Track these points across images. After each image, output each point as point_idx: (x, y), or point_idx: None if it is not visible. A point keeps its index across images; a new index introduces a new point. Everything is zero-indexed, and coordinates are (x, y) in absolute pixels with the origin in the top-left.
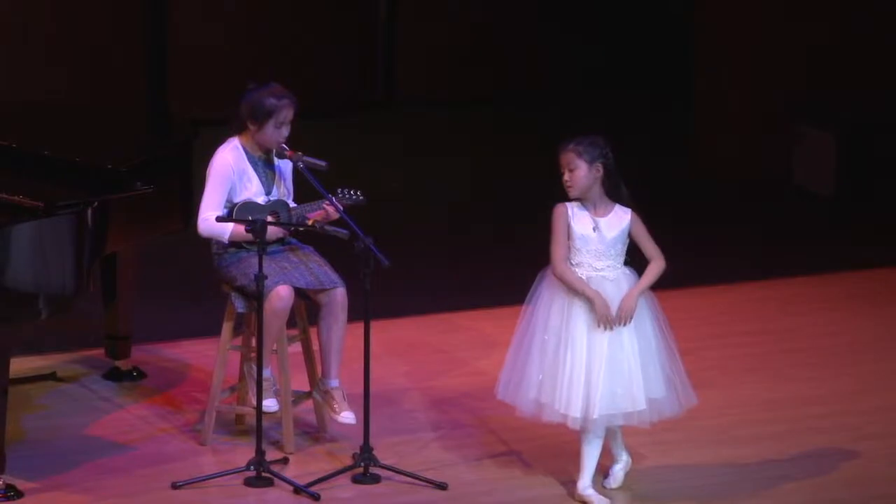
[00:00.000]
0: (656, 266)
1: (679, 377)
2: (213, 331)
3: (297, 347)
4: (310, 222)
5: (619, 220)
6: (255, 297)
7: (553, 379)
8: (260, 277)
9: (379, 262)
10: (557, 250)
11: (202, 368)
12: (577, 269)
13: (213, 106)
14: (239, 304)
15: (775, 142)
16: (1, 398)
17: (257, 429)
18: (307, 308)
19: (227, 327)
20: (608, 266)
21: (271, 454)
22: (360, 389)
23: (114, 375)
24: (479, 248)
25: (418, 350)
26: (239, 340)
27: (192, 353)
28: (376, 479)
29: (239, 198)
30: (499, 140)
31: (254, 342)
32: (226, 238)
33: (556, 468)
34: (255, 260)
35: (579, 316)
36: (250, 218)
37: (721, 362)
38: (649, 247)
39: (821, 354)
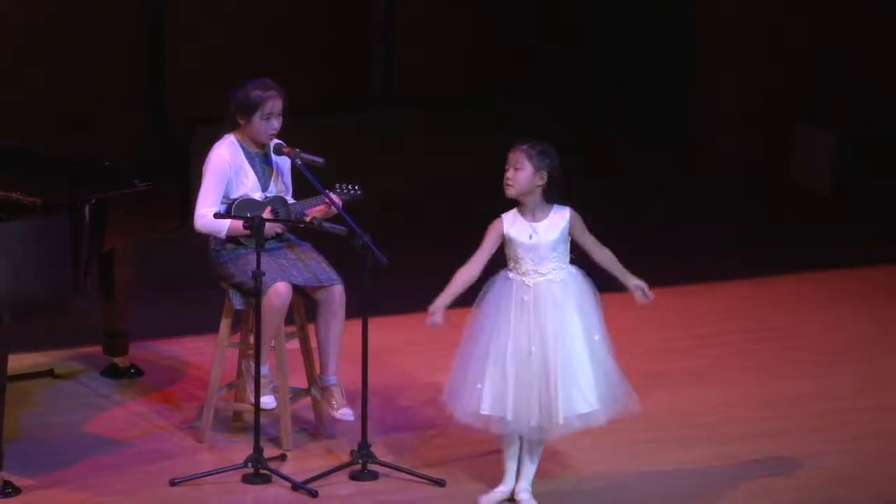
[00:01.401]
0: (608, 252)
1: (616, 387)
2: (210, 328)
3: (295, 344)
4: (308, 219)
5: (558, 221)
6: (253, 293)
7: (493, 383)
8: (258, 274)
9: (377, 258)
10: (478, 258)
11: (200, 365)
12: (523, 278)
13: (211, 104)
14: (237, 301)
15: (773, 141)
16: None
17: (255, 425)
18: (305, 305)
19: (224, 324)
20: (553, 269)
21: (269, 451)
22: (359, 386)
23: (111, 372)
24: (477, 245)
25: (416, 347)
26: (237, 337)
27: (189, 350)
28: (374, 476)
29: (235, 194)
30: (498, 138)
31: (252, 339)
32: (223, 234)
33: (552, 465)
34: (253, 257)
35: (525, 319)
36: (248, 214)
37: (717, 360)
38: (588, 241)
39: (818, 352)
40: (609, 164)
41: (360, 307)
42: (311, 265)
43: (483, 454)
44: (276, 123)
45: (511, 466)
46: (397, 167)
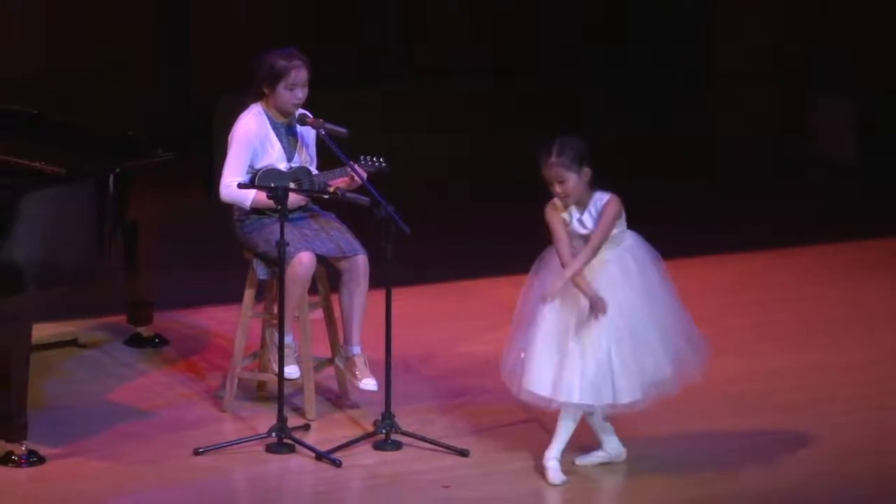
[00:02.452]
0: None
1: (685, 346)
2: (234, 298)
3: (318, 314)
4: (331, 189)
5: (599, 206)
6: (277, 263)
7: (531, 357)
8: (281, 244)
9: (400, 229)
10: (563, 250)
11: (224, 335)
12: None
13: (236, 73)
14: (261, 271)
15: (797, 109)
16: (23, 365)
17: (279, 395)
18: (329, 275)
19: (248, 294)
20: (603, 249)
21: (293, 421)
22: (382, 356)
23: (135, 342)
24: (500, 216)
25: (440, 317)
26: (261, 307)
27: (213, 319)
28: (398, 446)
29: (261, 164)
30: (520, 113)
31: (275, 309)
32: (247, 204)
33: (577, 435)
34: (277, 227)
35: (573, 298)
36: (272, 185)
37: (738, 331)
38: (595, 234)
39: (840, 323)
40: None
41: (384, 277)
42: (335, 235)
43: (508, 424)
44: (301, 93)
45: (598, 429)
46: (418, 137)
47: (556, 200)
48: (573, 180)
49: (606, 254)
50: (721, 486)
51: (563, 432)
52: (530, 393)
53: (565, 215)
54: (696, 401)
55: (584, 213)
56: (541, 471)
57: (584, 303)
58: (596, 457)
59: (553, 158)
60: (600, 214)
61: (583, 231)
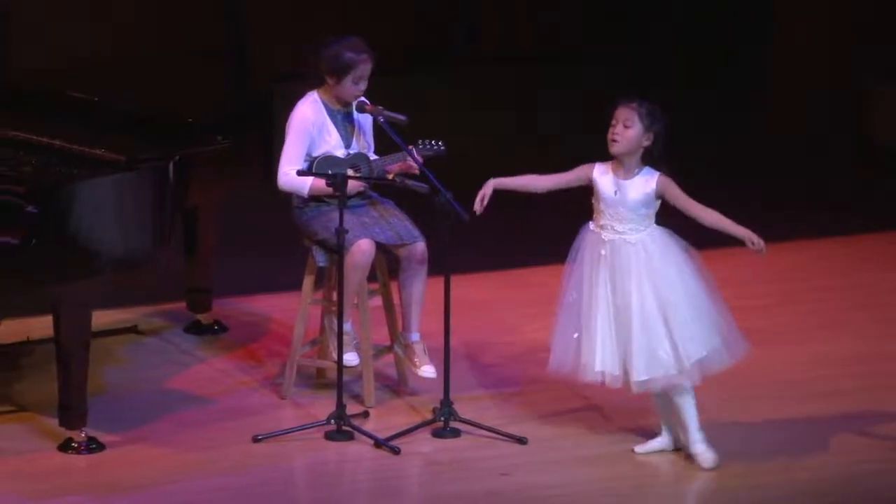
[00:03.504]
0: (715, 213)
1: (726, 326)
2: (294, 285)
3: (377, 301)
4: (390, 176)
5: (645, 183)
6: (336, 250)
7: (590, 338)
8: (340, 231)
9: (458, 215)
10: (555, 176)
11: (283, 322)
12: (601, 232)
13: (294, 60)
14: (320, 258)
15: (856, 98)
16: (83, 351)
17: (338, 383)
18: (388, 262)
19: (307, 281)
20: (630, 229)
21: (352, 408)
22: (441, 343)
23: (195, 329)
24: (560, 202)
25: (498, 305)
26: (320, 294)
27: (273, 306)
28: (456, 434)
29: (318, 151)
30: (582, 95)
31: (334, 296)
32: (305, 192)
33: (635, 423)
34: (336, 214)
35: (603, 274)
36: (330, 172)
37: (794, 318)
38: (689, 204)
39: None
40: (688, 118)
41: (443, 264)
42: (394, 223)
43: (566, 412)
44: (364, 86)
45: (662, 419)
46: (480, 124)
47: (596, 164)
48: (636, 132)
49: (631, 237)
50: (777, 476)
51: (688, 410)
52: (600, 373)
53: (606, 178)
54: (755, 388)
55: (627, 181)
56: (605, 458)
57: (627, 286)
58: (657, 444)
59: (633, 103)
60: (663, 194)
61: (614, 197)
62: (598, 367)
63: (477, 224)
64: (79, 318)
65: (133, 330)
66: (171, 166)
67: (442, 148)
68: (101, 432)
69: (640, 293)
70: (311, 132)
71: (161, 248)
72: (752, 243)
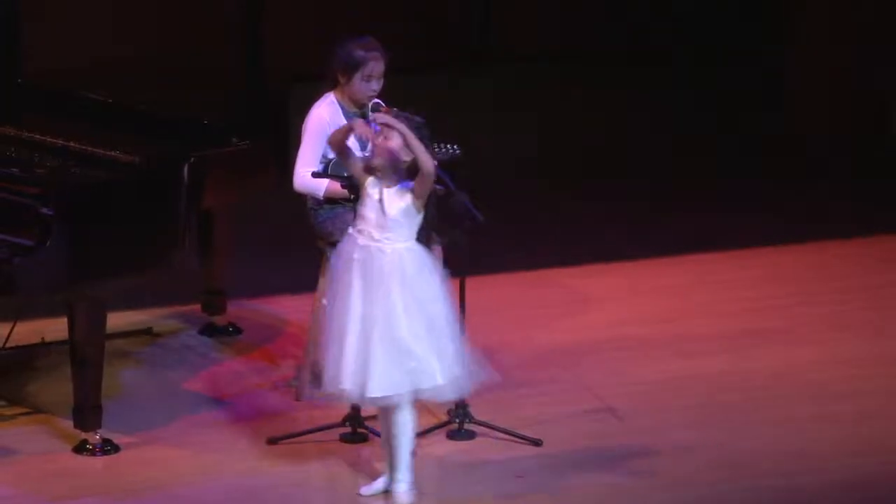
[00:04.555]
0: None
1: (469, 355)
2: (308, 286)
3: None
4: None
5: (405, 194)
6: None
7: (333, 352)
8: None
9: (474, 217)
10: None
11: (297, 324)
12: (358, 236)
13: (310, 61)
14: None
15: (874, 96)
16: (98, 353)
17: None
18: None
19: (322, 282)
20: (387, 238)
21: (367, 410)
22: None
23: (210, 331)
24: (575, 203)
25: (513, 306)
26: None
27: (287, 308)
28: (471, 436)
29: (334, 153)
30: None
31: None
32: (321, 194)
33: (651, 424)
34: (351, 215)
35: (355, 285)
36: (346, 174)
37: (811, 319)
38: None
39: None
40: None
41: (458, 266)
42: None
43: (581, 413)
44: (376, 85)
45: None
46: (493, 122)
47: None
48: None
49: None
50: (807, 477)
51: (406, 435)
52: (341, 392)
53: (374, 193)
54: (772, 388)
55: (390, 189)
56: (620, 459)
57: (380, 308)
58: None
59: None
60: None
61: (379, 204)
62: (333, 382)
63: (493, 225)
64: (93, 320)
65: (148, 332)
66: (186, 167)
67: (457, 152)
68: (116, 434)
69: (392, 305)
70: (327, 134)
71: (175, 249)
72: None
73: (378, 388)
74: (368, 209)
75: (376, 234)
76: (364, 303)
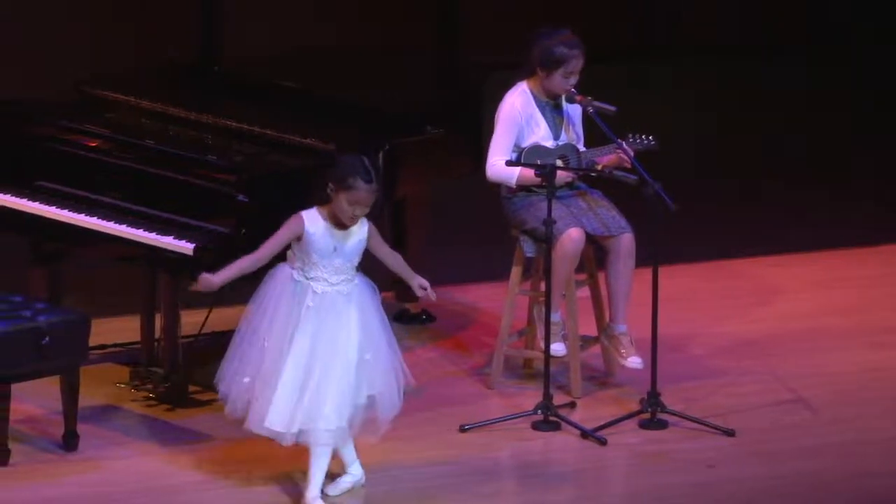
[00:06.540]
0: (399, 257)
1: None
2: (501, 275)
3: (585, 292)
4: (599, 167)
5: (358, 232)
6: (545, 240)
7: (265, 388)
8: (549, 222)
9: (667, 206)
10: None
11: (491, 312)
12: (312, 283)
13: (503, 50)
14: (528, 248)
15: None
16: None
17: (545, 373)
18: (595, 253)
19: (515, 271)
20: (343, 280)
21: (559, 398)
22: (648, 335)
23: (403, 318)
24: (766, 193)
25: (704, 296)
26: (527, 285)
27: (480, 296)
28: (663, 425)
29: (526, 142)
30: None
31: (542, 286)
32: (513, 182)
33: (846, 414)
34: (545, 204)
35: (305, 326)
36: (539, 162)
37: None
38: (384, 251)
39: None
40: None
41: (650, 255)
42: (601, 213)
43: (775, 403)
44: (574, 80)
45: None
46: (686, 113)
47: (304, 214)
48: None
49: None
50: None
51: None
52: (269, 429)
53: (328, 242)
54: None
55: (343, 231)
56: (813, 451)
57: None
58: (347, 482)
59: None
60: (370, 240)
61: (335, 251)
62: (271, 423)
63: (685, 215)
64: None
65: None
66: (381, 156)
67: (653, 143)
68: None
69: (344, 344)
70: (520, 123)
71: None
72: (427, 292)
73: (338, 419)
74: (320, 255)
75: (333, 279)
76: (319, 342)
